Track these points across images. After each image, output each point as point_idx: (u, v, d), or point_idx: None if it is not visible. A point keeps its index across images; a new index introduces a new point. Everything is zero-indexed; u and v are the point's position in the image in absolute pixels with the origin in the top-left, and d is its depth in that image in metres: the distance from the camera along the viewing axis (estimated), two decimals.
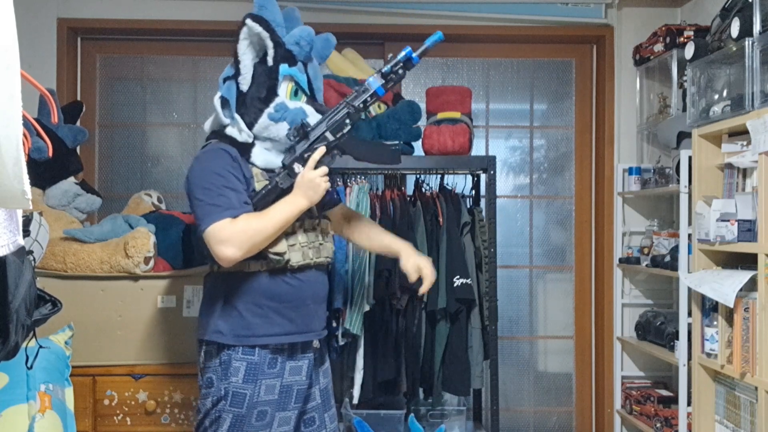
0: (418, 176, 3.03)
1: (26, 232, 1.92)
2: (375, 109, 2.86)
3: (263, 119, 1.85)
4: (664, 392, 3.14)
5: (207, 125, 1.98)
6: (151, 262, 2.39)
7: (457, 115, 2.85)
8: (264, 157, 1.89)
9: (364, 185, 2.82)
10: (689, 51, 2.70)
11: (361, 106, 1.84)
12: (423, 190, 2.99)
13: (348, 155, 1.95)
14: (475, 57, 3.56)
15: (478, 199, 3.13)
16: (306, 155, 1.84)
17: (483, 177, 3.05)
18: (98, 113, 3.48)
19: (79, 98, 3.39)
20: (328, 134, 1.85)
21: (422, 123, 2.91)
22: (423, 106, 2.94)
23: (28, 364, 1.69)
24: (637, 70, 3.39)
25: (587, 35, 3.47)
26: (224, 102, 1.87)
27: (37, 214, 2.07)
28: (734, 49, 2.35)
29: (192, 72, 3.52)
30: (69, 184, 2.66)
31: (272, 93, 1.86)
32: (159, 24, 3.32)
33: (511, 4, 3.37)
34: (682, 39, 2.99)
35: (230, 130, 1.88)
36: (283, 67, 1.86)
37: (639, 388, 3.28)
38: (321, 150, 1.84)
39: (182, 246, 2.54)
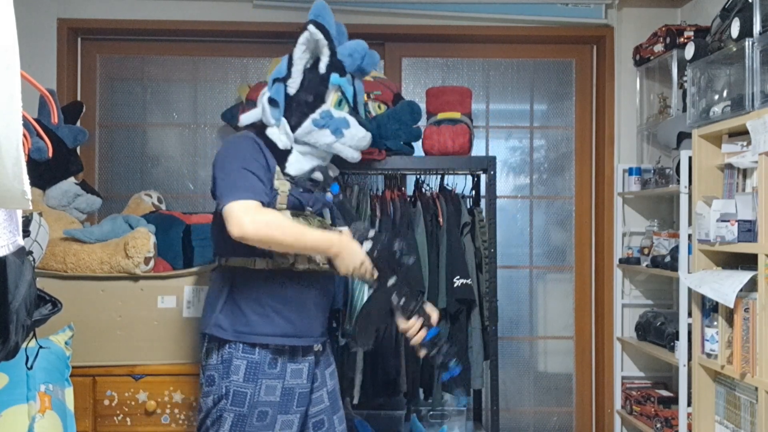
0: (418, 176, 3.03)
1: (26, 233, 1.92)
2: (375, 110, 2.86)
3: (307, 124, 1.87)
4: (665, 392, 3.14)
5: (244, 119, 1.98)
6: (151, 263, 2.39)
7: (457, 115, 2.84)
8: (299, 165, 1.91)
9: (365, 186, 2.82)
10: (689, 51, 2.70)
11: (412, 311, 1.86)
12: (423, 190, 2.99)
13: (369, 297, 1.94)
14: (475, 57, 3.56)
15: (478, 199, 3.13)
16: (376, 256, 1.81)
17: (483, 177, 3.04)
18: (98, 113, 3.48)
19: (79, 98, 3.39)
20: (392, 280, 1.83)
21: (422, 123, 2.91)
22: (423, 106, 2.94)
23: (28, 365, 1.69)
24: (637, 70, 3.39)
25: (587, 35, 3.47)
26: (273, 103, 1.89)
27: (36, 214, 2.07)
28: (734, 49, 2.35)
29: (192, 72, 3.52)
30: (69, 184, 2.66)
31: (320, 100, 1.89)
32: (159, 24, 3.32)
33: (511, 5, 3.37)
34: (682, 39, 2.99)
35: (272, 132, 1.89)
36: (334, 77, 1.89)
37: (639, 388, 3.28)
38: (371, 272, 1.83)
39: (182, 246, 2.54)
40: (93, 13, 3.30)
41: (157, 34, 3.41)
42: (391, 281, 1.84)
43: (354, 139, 1.92)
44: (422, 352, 1.88)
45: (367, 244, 1.82)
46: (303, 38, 1.85)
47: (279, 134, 1.88)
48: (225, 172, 1.82)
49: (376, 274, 1.84)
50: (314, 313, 1.94)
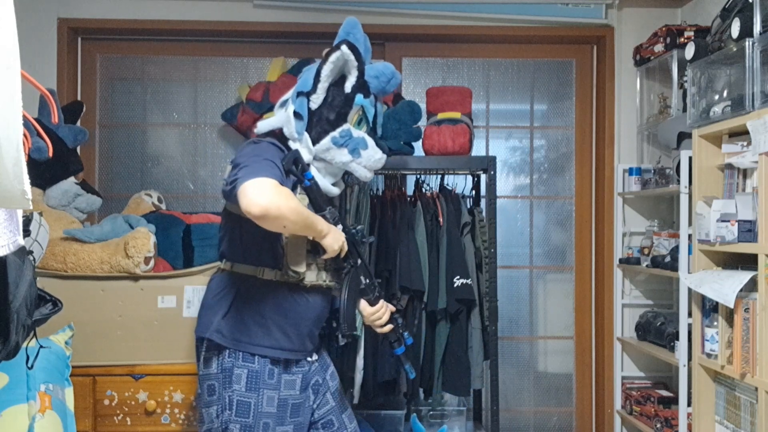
0: (418, 176, 3.03)
1: (26, 232, 1.92)
2: None
3: (326, 141, 1.87)
4: (665, 393, 3.14)
5: (263, 126, 1.96)
6: (151, 262, 2.39)
7: (457, 115, 2.85)
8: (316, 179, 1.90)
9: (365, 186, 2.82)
10: (689, 51, 2.70)
11: (376, 295, 1.98)
12: (423, 190, 2.99)
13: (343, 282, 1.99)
14: (476, 57, 3.56)
15: (478, 199, 3.13)
16: (352, 233, 1.91)
17: (483, 177, 3.05)
18: (98, 113, 3.48)
19: (79, 98, 3.39)
20: (359, 261, 1.94)
21: (422, 123, 2.91)
22: (423, 106, 2.95)
23: (29, 364, 1.69)
24: (638, 70, 3.39)
25: (587, 36, 3.47)
26: (297, 117, 1.88)
27: (37, 214, 2.07)
28: (734, 49, 2.35)
29: (192, 72, 3.52)
30: (69, 184, 2.66)
31: (341, 119, 1.89)
32: (159, 24, 3.32)
33: (511, 5, 3.37)
34: (682, 39, 2.99)
35: (294, 146, 1.89)
36: (359, 97, 1.90)
37: (639, 388, 3.28)
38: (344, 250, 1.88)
39: (182, 246, 2.54)
40: (93, 13, 3.30)
41: (157, 34, 3.41)
42: (359, 261, 1.93)
43: (370, 161, 1.93)
44: (386, 328, 1.99)
45: (340, 227, 1.88)
46: (334, 57, 1.85)
47: (301, 148, 1.88)
48: (246, 163, 1.75)
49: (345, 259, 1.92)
50: (311, 328, 1.95)
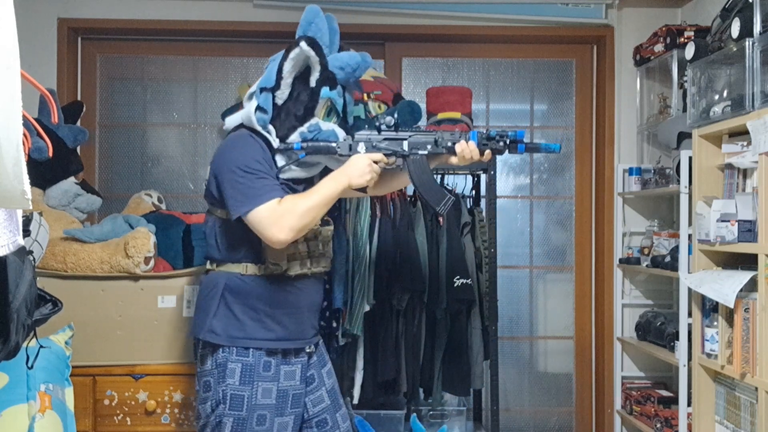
0: None
1: (26, 232, 1.92)
2: (375, 109, 2.86)
3: (295, 136, 1.87)
4: (665, 392, 3.14)
5: (229, 122, 1.97)
6: (152, 262, 2.39)
7: (457, 115, 2.85)
8: (292, 172, 1.90)
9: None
10: (689, 51, 2.70)
11: (449, 144, 1.88)
12: None
13: (408, 175, 1.94)
14: (476, 57, 3.56)
15: (478, 199, 3.13)
16: (375, 145, 1.87)
17: (483, 177, 3.05)
18: (98, 113, 3.48)
19: (79, 98, 3.39)
20: (405, 144, 1.88)
21: (422, 123, 2.91)
22: (423, 106, 2.94)
23: (29, 364, 1.69)
24: (638, 70, 3.39)
25: (587, 35, 3.47)
26: (260, 110, 1.87)
27: (37, 214, 2.07)
28: (734, 49, 2.35)
29: (192, 72, 3.52)
30: (69, 184, 2.66)
31: (309, 113, 1.87)
32: (159, 24, 3.32)
33: (511, 5, 3.37)
34: (682, 39, 2.99)
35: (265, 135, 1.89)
36: (325, 90, 1.87)
37: (639, 388, 3.28)
38: (382, 156, 1.86)
39: (182, 246, 2.54)
40: (93, 13, 3.30)
41: (157, 34, 3.41)
42: (405, 145, 1.88)
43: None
44: (488, 154, 1.90)
45: (361, 147, 1.86)
46: (294, 53, 1.82)
47: (271, 139, 1.87)
48: (233, 177, 1.79)
49: (391, 157, 1.88)
50: (306, 315, 1.96)
